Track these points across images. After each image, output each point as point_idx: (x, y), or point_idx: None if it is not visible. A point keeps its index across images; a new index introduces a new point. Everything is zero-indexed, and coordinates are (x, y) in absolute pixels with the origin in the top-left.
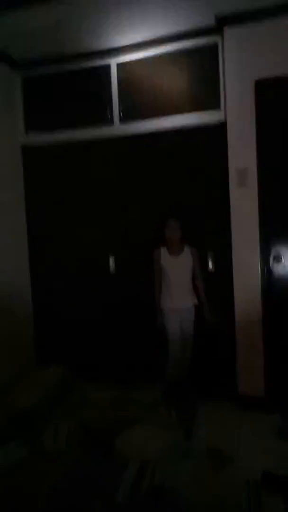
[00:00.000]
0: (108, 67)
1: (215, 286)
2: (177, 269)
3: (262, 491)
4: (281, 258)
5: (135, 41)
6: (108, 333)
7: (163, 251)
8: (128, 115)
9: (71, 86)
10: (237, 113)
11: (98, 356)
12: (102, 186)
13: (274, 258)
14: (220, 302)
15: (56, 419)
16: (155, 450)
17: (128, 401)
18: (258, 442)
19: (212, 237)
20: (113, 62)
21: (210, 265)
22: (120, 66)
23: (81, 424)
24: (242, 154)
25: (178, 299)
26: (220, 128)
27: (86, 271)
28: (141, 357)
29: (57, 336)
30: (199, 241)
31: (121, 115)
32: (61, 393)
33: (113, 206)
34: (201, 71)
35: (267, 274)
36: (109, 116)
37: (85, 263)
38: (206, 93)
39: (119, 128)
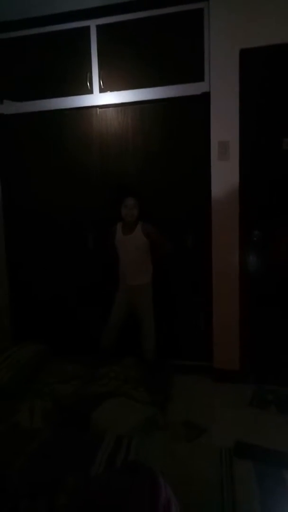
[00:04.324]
0: (87, 29)
1: (193, 264)
2: (127, 248)
3: (234, 459)
4: (261, 235)
5: (117, 1)
6: (85, 308)
7: (118, 228)
8: (108, 83)
9: (48, 51)
10: (221, 83)
11: (75, 331)
12: (80, 157)
13: (254, 234)
14: (197, 279)
15: (31, 397)
16: (131, 423)
17: (103, 376)
18: (232, 413)
19: (192, 213)
20: (93, 23)
21: (189, 242)
22: (100, 28)
23: (56, 400)
24: (225, 126)
25: (129, 278)
26: (204, 99)
27: (64, 245)
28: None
29: (34, 312)
30: (179, 217)
31: (101, 83)
32: (35, 369)
33: (91, 178)
34: (186, 38)
35: (246, 250)
36: (88, 84)
37: (63, 237)
38: (190, 62)
39: (98, 97)
